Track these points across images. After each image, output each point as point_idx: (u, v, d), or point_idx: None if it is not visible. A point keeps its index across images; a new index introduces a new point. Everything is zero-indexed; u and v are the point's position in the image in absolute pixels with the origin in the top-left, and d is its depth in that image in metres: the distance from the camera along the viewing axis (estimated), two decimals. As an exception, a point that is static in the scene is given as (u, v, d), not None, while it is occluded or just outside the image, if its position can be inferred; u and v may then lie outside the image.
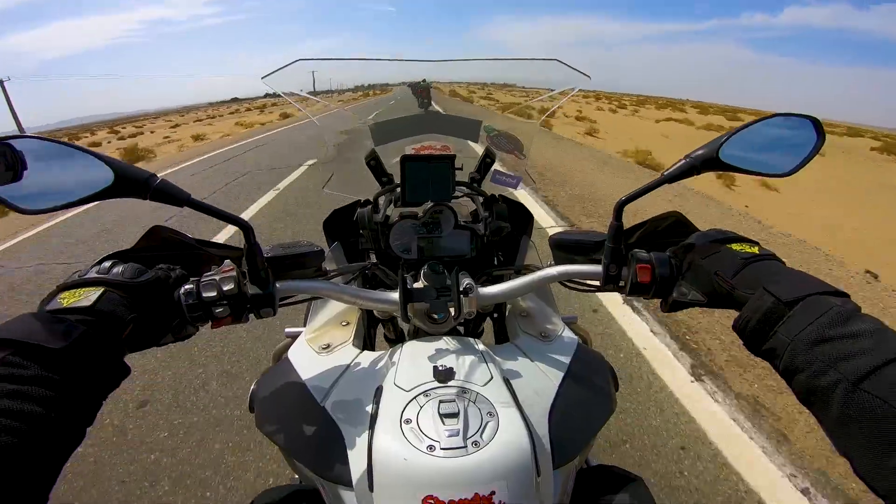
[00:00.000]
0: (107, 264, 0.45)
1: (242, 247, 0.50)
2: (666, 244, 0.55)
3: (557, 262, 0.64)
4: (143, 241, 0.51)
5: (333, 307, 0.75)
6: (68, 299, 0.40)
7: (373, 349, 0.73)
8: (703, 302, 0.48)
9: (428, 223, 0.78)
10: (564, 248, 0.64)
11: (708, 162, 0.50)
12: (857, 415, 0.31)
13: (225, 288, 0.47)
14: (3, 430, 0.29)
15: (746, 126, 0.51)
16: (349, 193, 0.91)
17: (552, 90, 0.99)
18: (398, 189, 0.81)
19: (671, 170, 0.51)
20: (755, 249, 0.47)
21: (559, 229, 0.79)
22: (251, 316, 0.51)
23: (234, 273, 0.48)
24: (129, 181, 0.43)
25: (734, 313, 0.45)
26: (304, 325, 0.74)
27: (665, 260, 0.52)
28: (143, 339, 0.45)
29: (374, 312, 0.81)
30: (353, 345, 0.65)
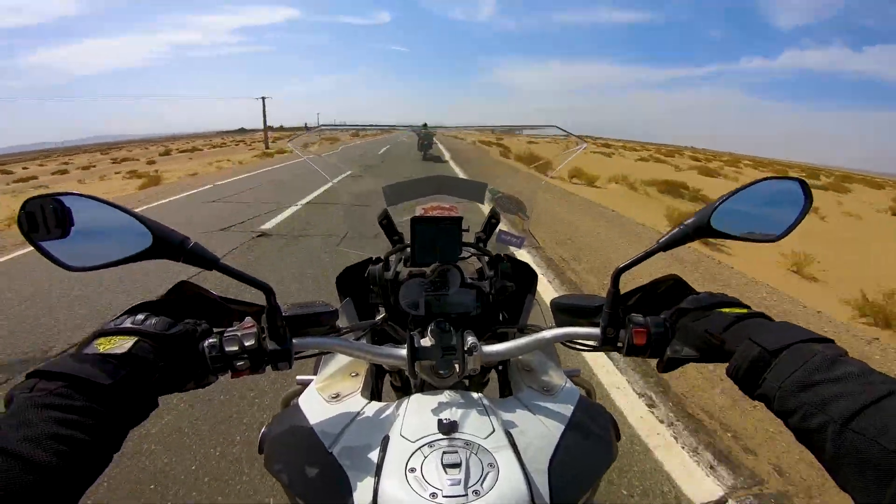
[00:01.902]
0: (140, 316, 0.47)
1: (261, 304, 0.53)
2: (664, 306, 0.57)
3: (559, 325, 0.66)
4: (171, 293, 0.54)
5: (343, 358, 0.77)
6: (104, 345, 0.42)
7: (380, 399, 0.74)
8: (697, 357, 0.51)
9: (435, 281, 0.81)
10: (565, 311, 0.66)
11: (700, 229, 0.53)
12: (848, 454, 0.33)
13: (246, 343, 0.50)
14: (51, 451, 0.33)
15: (736, 192, 0.53)
16: (361, 251, 0.94)
17: (553, 134, 1.05)
18: (408, 248, 0.83)
19: (666, 238, 0.54)
20: (744, 311, 0.50)
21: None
22: (268, 368, 0.53)
23: (254, 329, 0.51)
24: (166, 243, 0.46)
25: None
26: (315, 374, 0.75)
27: (660, 323, 0.54)
28: (169, 385, 0.47)
29: (383, 365, 0.83)
30: (362, 395, 0.66)
